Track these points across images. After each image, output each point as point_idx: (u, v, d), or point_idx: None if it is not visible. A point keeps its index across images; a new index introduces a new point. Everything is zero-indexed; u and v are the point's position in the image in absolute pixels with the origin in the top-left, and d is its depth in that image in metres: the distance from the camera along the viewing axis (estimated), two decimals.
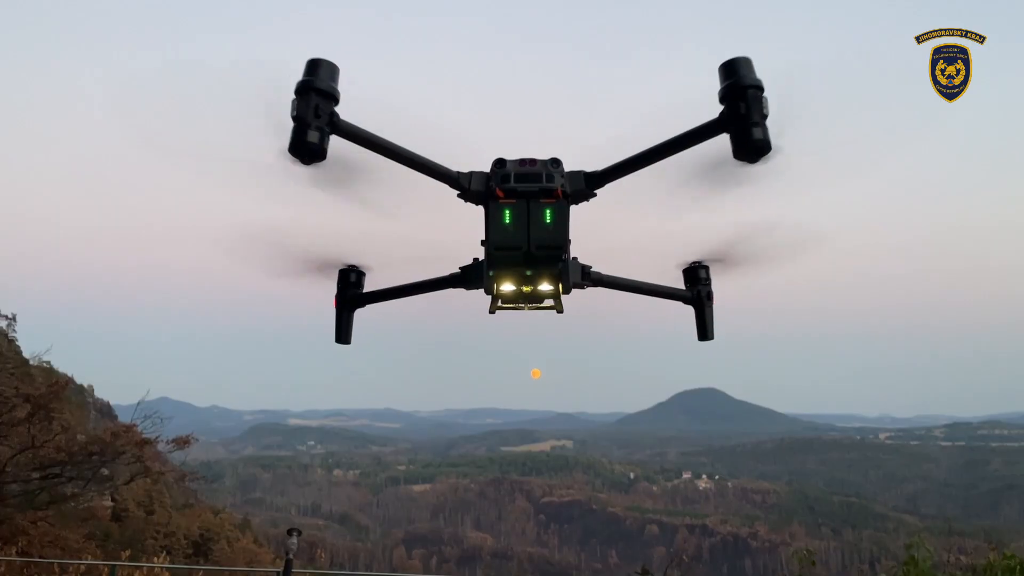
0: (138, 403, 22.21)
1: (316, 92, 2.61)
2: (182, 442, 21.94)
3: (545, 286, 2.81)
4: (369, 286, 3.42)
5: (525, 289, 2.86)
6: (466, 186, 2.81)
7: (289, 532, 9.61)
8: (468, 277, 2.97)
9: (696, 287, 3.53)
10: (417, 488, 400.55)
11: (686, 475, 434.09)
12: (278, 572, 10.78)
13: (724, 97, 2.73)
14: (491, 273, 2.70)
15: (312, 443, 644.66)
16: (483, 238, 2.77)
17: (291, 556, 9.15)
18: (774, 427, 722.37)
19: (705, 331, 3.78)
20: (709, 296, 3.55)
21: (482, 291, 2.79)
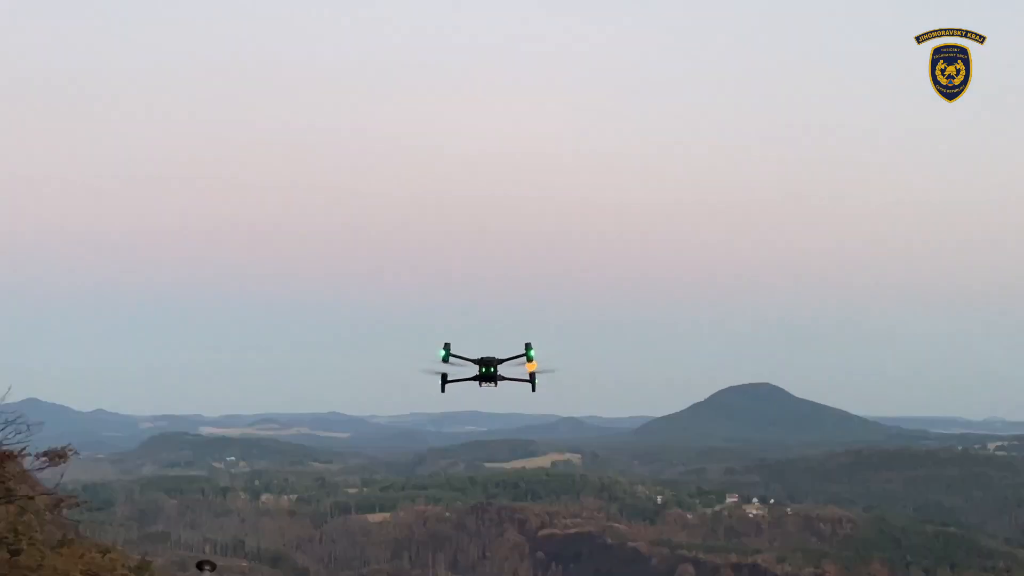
0: None
1: (446, 362, 46.66)
2: (57, 456, 21.52)
3: (491, 383, 47.65)
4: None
5: (489, 383, 48.98)
6: (474, 361, 48.11)
7: (200, 565, 9.48)
8: (477, 379, 47.02)
9: (530, 381, 47.44)
10: (374, 518, 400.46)
11: (731, 499, 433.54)
12: None
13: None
14: (480, 380, 46.71)
15: (232, 459, 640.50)
16: (477, 372, 47.35)
17: None
18: (848, 434, 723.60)
19: (533, 388, 49.48)
20: (534, 382, 47.48)
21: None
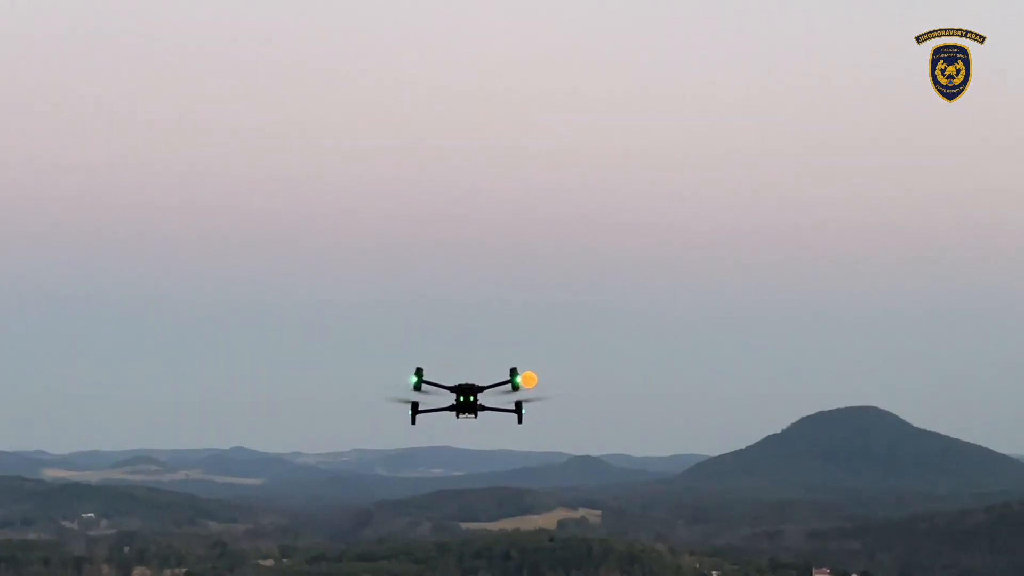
0: None
1: (418, 389, 78.26)
2: None
3: (470, 414, 79.01)
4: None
5: (468, 414, 77.80)
6: (451, 389, 79.41)
7: None
8: (454, 410, 78.40)
9: (517, 411, 79.54)
10: None
11: (820, 575, 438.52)
12: None
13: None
14: (457, 411, 77.81)
15: (90, 515, 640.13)
16: (454, 401, 79.10)
17: None
18: (992, 481, 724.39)
19: (519, 420, 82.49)
20: (521, 412, 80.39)
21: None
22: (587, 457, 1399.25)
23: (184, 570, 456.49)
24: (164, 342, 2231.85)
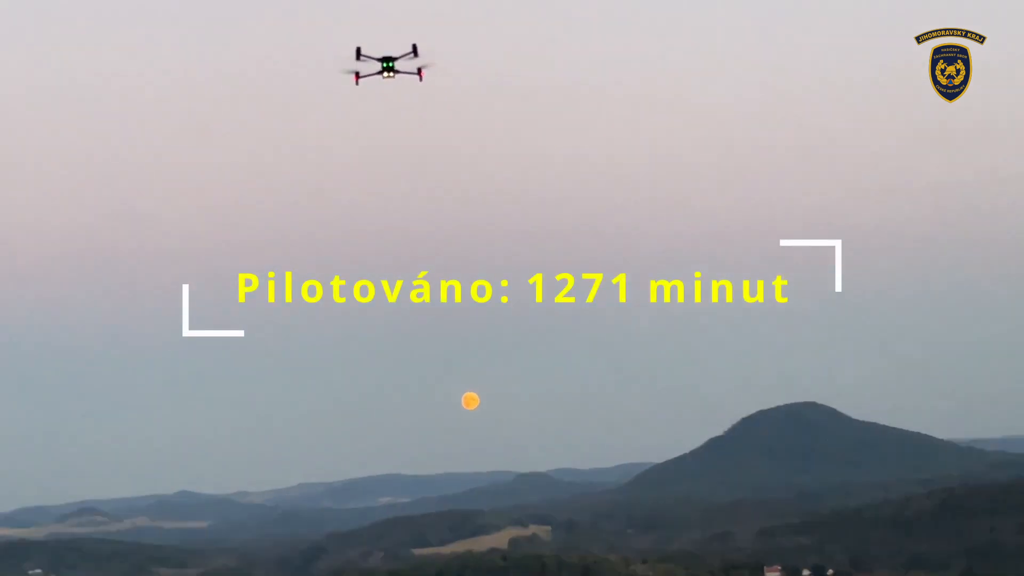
0: None
1: (359, 60, 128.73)
2: None
3: (391, 74, 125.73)
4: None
5: (389, 74, 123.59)
6: (379, 59, 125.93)
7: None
8: (381, 72, 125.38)
9: (417, 73, 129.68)
10: None
11: (772, 572, 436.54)
12: None
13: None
14: (383, 73, 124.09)
15: (37, 572, 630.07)
16: (381, 67, 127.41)
17: None
18: (933, 466, 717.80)
19: (420, 79, 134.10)
20: (421, 72, 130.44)
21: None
22: (533, 473, 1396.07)
23: None
24: (100, 391, 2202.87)
